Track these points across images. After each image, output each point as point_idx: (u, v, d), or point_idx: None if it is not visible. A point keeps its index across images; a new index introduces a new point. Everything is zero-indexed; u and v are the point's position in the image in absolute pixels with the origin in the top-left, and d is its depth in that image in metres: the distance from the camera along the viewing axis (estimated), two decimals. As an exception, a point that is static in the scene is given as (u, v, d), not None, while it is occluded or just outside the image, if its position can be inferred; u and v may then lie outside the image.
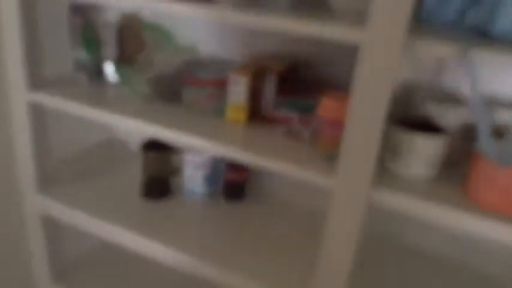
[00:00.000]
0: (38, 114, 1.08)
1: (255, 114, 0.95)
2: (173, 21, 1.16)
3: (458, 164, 0.82)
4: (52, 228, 1.21)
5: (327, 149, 0.82)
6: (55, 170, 1.21)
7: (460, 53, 0.61)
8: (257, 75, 0.91)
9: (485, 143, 0.65)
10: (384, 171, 0.78)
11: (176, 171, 1.17)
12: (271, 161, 0.80)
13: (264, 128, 0.92)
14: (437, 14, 0.72)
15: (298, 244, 1.02)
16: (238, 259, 0.95)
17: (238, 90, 0.91)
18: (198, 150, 1.13)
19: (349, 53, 0.97)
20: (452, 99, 0.86)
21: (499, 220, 0.67)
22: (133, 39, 1.12)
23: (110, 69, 1.15)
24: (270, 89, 0.92)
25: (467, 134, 0.80)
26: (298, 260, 0.96)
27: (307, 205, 1.17)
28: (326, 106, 0.78)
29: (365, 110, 0.69)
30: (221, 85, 0.97)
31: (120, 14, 1.13)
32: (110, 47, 1.14)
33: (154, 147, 1.14)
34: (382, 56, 0.65)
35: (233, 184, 1.17)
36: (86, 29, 1.13)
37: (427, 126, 0.80)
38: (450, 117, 0.81)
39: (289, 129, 0.89)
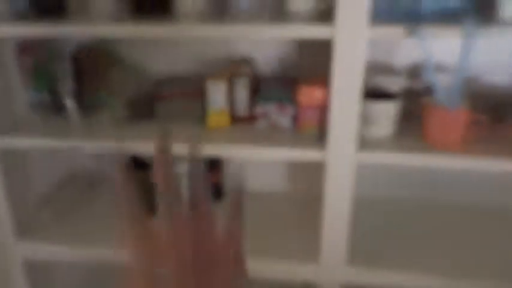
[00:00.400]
0: (7, 160, 1.04)
1: (235, 116, 1.05)
2: (117, 44, 1.19)
3: (405, 120, 1.02)
4: (36, 271, 1.17)
5: (310, 129, 0.96)
6: (30, 212, 1.17)
7: (411, 32, 0.80)
8: (232, 78, 1.02)
9: (440, 95, 0.85)
10: (360, 136, 0.94)
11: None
12: (268, 150, 0.92)
13: (248, 126, 1.03)
14: (375, 4, 0.90)
15: (297, 224, 1.15)
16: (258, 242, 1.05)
17: (217, 96, 1.00)
18: (179, 159, 1.19)
19: (305, 51, 1.12)
20: (390, 71, 1.07)
21: (455, 155, 0.88)
22: (89, 68, 1.14)
23: (69, 102, 1.15)
24: (244, 90, 1.03)
25: (408, 96, 1.00)
26: (302, 234, 1.09)
27: (286, 194, 1.31)
28: (306, 93, 0.92)
29: (344, 91, 0.84)
30: (196, 95, 1.05)
31: (68, 45, 1.14)
32: (65, 80, 1.14)
33: (133, 168, 1.17)
34: (353, 44, 0.81)
35: (213, 186, 1.25)
36: (37, 67, 1.12)
37: (381, 94, 0.99)
38: (394, 85, 1.01)
39: (269, 121, 1.02)
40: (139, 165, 1.18)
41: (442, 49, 0.87)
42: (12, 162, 1.06)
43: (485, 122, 0.90)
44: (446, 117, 0.90)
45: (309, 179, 1.18)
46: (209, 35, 0.87)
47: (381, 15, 0.88)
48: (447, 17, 0.87)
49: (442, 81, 0.92)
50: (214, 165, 1.23)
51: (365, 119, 0.94)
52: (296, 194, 1.26)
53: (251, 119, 1.04)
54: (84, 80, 1.14)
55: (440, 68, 0.96)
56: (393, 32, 0.81)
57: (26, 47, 1.11)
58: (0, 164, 1.02)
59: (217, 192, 1.26)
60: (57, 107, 1.15)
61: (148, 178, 1.19)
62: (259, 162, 1.26)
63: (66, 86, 1.14)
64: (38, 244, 1.09)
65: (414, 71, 1.06)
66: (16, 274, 1.12)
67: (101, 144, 0.99)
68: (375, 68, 1.06)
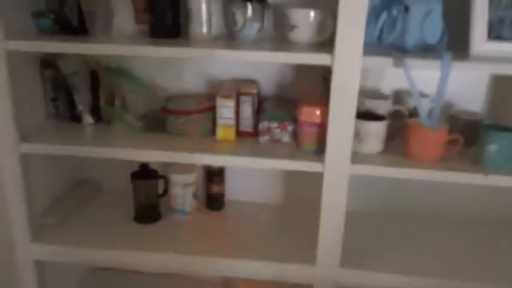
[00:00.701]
0: (25, 164, 1.12)
1: (241, 131, 1.16)
2: (133, 63, 1.29)
3: (391, 139, 1.15)
4: (43, 271, 1.23)
5: (308, 144, 1.08)
6: (42, 215, 1.23)
7: (397, 62, 0.94)
8: (238, 96, 1.14)
9: (423, 117, 0.99)
10: (353, 152, 1.07)
11: (164, 194, 1.30)
12: (272, 162, 1.04)
13: (252, 140, 1.15)
14: (367, 37, 1.04)
15: (296, 231, 1.26)
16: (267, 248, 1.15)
17: (226, 112, 1.12)
18: (184, 169, 1.29)
19: (305, 77, 1.25)
20: (379, 95, 1.21)
21: (433, 168, 1.02)
22: (106, 83, 1.24)
23: (85, 113, 1.24)
24: (250, 108, 1.15)
25: (394, 117, 1.14)
26: (300, 240, 1.20)
27: (279, 205, 1.42)
28: (306, 112, 1.05)
29: (340, 111, 0.97)
30: (204, 111, 1.16)
31: (87, 62, 1.24)
32: (82, 93, 1.24)
33: (141, 176, 1.27)
34: (349, 71, 0.95)
35: (216, 196, 1.35)
36: (57, 79, 1.21)
37: (370, 116, 1.12)
38: (382, 108, 1.15)
39: (272, 136, 1.14)
40: (147, 173, 1.27)
41: (423, 78, 1.02)
42: (30, 166, 1.14)
43: (460, 142, 1.05)
44: (427, 136, 1.04)
45: (304, 191, 1.30)
46: (217, 57, 0.99)
47: (372, 47, 1.02)
48: (427, 52, 1.02)
49: (423, 105, 1.06)
50: (216, 175, 1.34)
51: (357, 137, 1.07)
52: (293, 204, 1.38)
53: (255, 134, 1.16)
54: (100, 94, 1.24)
55: (421, 94, 1.10)
56: (383, 62, 0.95)
57: (48, 62, 1.20)
58: (20, 168, 1.10)
59: (219, 202, 1.36)
60: (73, 117, 1.24)
61: (155, 186, 1.29)
62: (259, 176, 1.37)
63: (83, 99, 1.24)
64: (47, 246, 1.16)
65: (398, 96, 1.20)
66: (27, 274, 1.19)
67: (112, 152, 1.08)
68: (366, 93, 1.19)
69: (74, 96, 1.23)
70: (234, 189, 1.39)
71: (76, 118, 1.25)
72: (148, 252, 1.15)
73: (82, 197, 1.38)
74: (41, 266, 1.21)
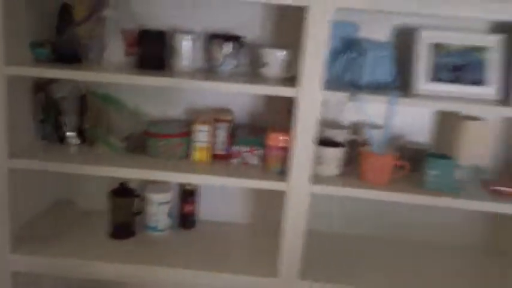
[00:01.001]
0: (12, 178, 1.21)
1: (215, 154, 1.29)
2: (120, 90, 1.41)
3: (347, 164, 1.30)
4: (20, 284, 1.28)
5: (275, 166, 1.21)
6: (22, 229, 1.30)
7: (352, 97, 1.10)
8: (214, 123, 1.27)
9: (373, 145, 1.14)
10: (314, 174, 1.20)
11: (140, 212, 1.39)
12: (242, 181, 1.16)
13: (225, 162, 1.27)
14: (326, 74, 1.21)
15: (260, 246, 1.37)
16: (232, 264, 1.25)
17: (203, 137, 1.25)
18: (161, 189, 1.39)
19: (274, 107, 1.40)
20: (338, 126, 1.36)
21: (381, 189, 1.16)
22: (93, 107, 1.35)
23: (71, 134, 1.35)
24: (224, 134, 1.28)
25: (350, 145, 1.29)
26: (265, 254, 1.31)
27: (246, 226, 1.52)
28: (273, 138, 1.19)
29: (303, 137, 1.12)
30: (182, 135, 1.29)
31: (78, 88, 1.35)
32: (69, 116, 1.35)
33: (120, 193, 1.36)
34: (310, 103, 1.10)
35: (188, 215, 1.45)
36: (48, 102, 1.32)
37: (330, 143, 1.26)
38: (340, 136, 1.30)
39: (243, 159, 1.26)
40: (125, 192, 1.37)
41: (378, 112, 1.18)
42: (15, 182, 1.22)
43: (407, 168, 1.20)
44: (377, 161, 1.19)
45: (271, 211, 1.41)
46: (197, 88, 1.13)
47: (333, 83, 1.18)
48: (379, 89, 1.18)
49: (375, 135, 1.22)
50: (190, 196, 1.44)
51: (317, 161, 1.21)
52: (260, 223, 1.49)
53: (228, 157, 1.28)
54: (87, 117, 1.35)
55: (375, 125, 1.26)
56: (340, 96, 1.11)
57: (40, 86, 1.31)
58: (7, 182, 1.18)
59: (191, 220, 1.46)
60: (60, 138, 1.34)
61: (132, 204, 1.38)
62: (230, 197, 1.48)
63: (70, 121, 1.35)
64: (26, 257, 1.23)
65: (356, 127, 1.36)
66: (4, 285, 1.24)
67: (95, 170, 1.18)
68: (327, 123, 1.35)
69: (62, 119, 1.33)
70: (206, 209, 1.49)
71: (62, 139, 1.35)
72: (121, 264, 1.23)
73: (61, 215, 1.45)
74: (18, 278, 1.27)
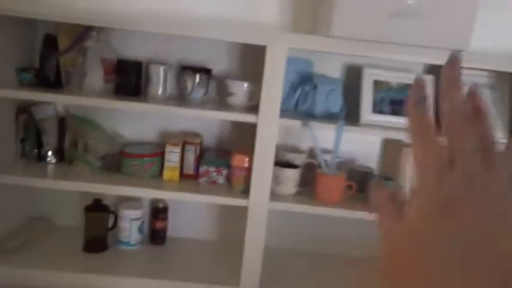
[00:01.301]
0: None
1: (184, 173, 1.42)
2: (98, 114, 1.53)
3: (304, 185, 1.45)
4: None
5: (239, 185, 1.35)
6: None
7: (304, 124, 1.26)
8: (184, 145, 1.40)
9: (324, 167, 1.30)
10: (273, 192, 1.35)
11: (113, 227, 1.49)
12: (208, 197, 1.29)
13: (193, 181, 1.40)
14: (285, 104, 1.37)
15: (225, 260, 1.48)
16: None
17: (173, 157, 1.37)
18: (133, 206, 1.49)
19: (238, 132, 1.55)
20: (296, 150, 1.52)
21: (333, 206, 1.31)
22: (70, 129, 1.46)
23: (50, 153, 1.45)
24: (193, 155, 1.41)
25: (307, 168, 1.45)
26: (229, 267, 1.43)
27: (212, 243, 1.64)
28: (237, 159, 1.33)
29: (263, 159, 1.27)
30: (155, 156, 1.41)
31: (58, 110, 1.46)
32: (49, 136, 1.45)
33: (94, 209, 1.46)
34: (269, 128, 1.25)
35: (159, 231, 1.56)
36: (29, 123, 1.42)
37: (289, 165, 1.41)
38: (298, 160, 1.45)
39: (209, 179, 1.40)
40: (99, 208, 1.46)
41: (329, 138, 1.34)
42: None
43: (354, 188, 1.36)
44: (330, 182, 1.35)
45: (235, 228, 1.54)
46: (169, 113, 1.27)
47: (290, 113, 1.35)
48: (330, 118, 1.36)
49: (328, 159, 1.38)
50: (161, 213, 1.55)
51: (276, 180, 1.35)
52: (226, 240, 1.61)
53: (196, 176, 1.41)
54: (65, 138, 1.45)
55: (326, 150, 1.43)
56: (294, 123, 1.28)
57: (23, 108, 1.42)
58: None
59: (162, 237, 1.56)
60: (40, 157, 1.43)
61: (106, 219, 1.48)
62: (198, 215, 1.60)
63: (50, 141, 1.45)
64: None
65: (312, 152, 1.52)
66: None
67: (72, 185, 1.29)
68: (287, 148, 1.51)
69: (42, 138, 1.43)
70: (176, 226, 1.60)
71: (41, 157, 1.44)
72: (91, 275, 1.31)
73: (35, 230, 1.52)
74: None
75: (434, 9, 1.22)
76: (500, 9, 1.47)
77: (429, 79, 1.41)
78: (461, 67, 0.31)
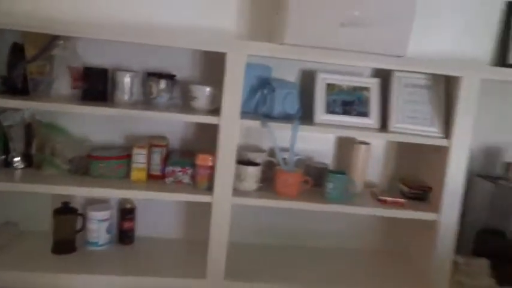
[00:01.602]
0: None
1: (151, 174, 1.49)
2: (67, 119, 1.57)
3: (266, 181, 1.55)
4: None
5: (203, 183, 1.44)
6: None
7: (263, 124, 1.37)
8: (151, 147, 1.48)
9: (282, 164, 1.41)
10: (236, 188, 1.44)
11: (81, 229, 1.54)
12: (174, 195, 1.37)
13: (160, 181, 1.47)
14: (245, 107, 1.47)
15: (192, 255, 1.56)
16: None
17: (140, 159, 1.44)
18: (101, 207, 1.55)
19: (202, 134, 1.63)
20: (258, 149, 1.62)
21: (290, 199, 1.42)
22: (37, 135, 1.50)
23: (17, 159, 1.48)
24: (159, 156, 1.49)
25: (268, 165, 1.55)
26: (196, 261, 1.50)
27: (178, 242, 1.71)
28: (201, 159, 1.42)
29: (225, 158, 1.36)
30: (122, 158, 1.48)
31: (25, 117, 1.50)
32: (17, 142, 1.48)
33: (63, 212, 1.50)
34: (231, 129, 1.35)
35: (127, 231, 1.61)
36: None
37: (250, 163, 1.51)
38: (259, 158, 1.56)
39: (175, 178, 1.47)
40: (68, 210, 1.51)
41: (288, 137, 1.45)
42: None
43: (311, 183, 1.48)
44: (288, 178, 1.46)
45: (202, 226, 1.61)
46: (136, 117, 1.34)
47: (251, 114, 1.45)
48: (287, 119, 1.47)
49: (286, 157, 1.49)
50: (128, 213, 1.61)
51: (239, 178, 1.45)
52: (192, 237, 1.68)
53: (162, 176, 1.49)
54: (33, 143, 1.49)
55: (285, 149, 1.54)
56: (253, 124, 1.38)
57: (-10, 115, 1.45)
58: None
59: (130, 237, 1.62)
60: (7, 163, 1.47)
61: (74, 221, 1.52)
62: (165, 215, 1.67)
63: (17, 147, 1.48)
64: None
65: (272, 151, 1.63)
66: None
67: (41, 188, 1.33)
68: (249, 148, 1.61)
69: (9, 144, 1.47)
70: (144, 226, 1.66)
71: (8, 163, 1.48)
72: (59, 275, 1.36)
73: (5, 235, 1.54)
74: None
75: (377, 19, 1.37)
76: (434, 17, 1.64)
77: (375, 82, 1.56)
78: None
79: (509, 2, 1.66)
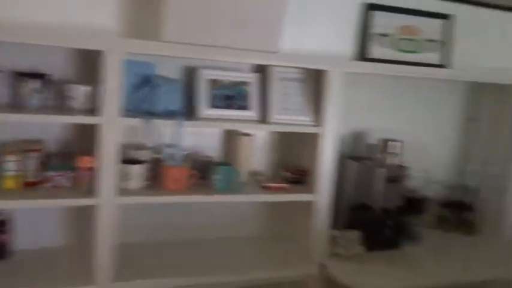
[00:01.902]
0: None
1: (27, 181, 1.39)
2: None
3: (153, 178, 1.55)
4: None
5: (85, 185, 1.39)
6: None
7: (145, 122, 1.37)
8: (24, 153, 1.38)
9: (170, 160, 1.42)
10: (122, 187, 1.42)
11: None
12: (52, 201, 1.31)
13: (37, 188, 1.38)
14: (129, 105, 1.45)
15: (78, 263, 1.49)
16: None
17: (12, 166, 1.34)
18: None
19: (82, 134, 1.56)
20: (143, 147, 1.61)
21: (178, 194, 1.45)
22: None
23: None
24: (34, 162, 1.39)
25: (155, 162, 1.56)
26: (80, 269, 1.44)
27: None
28: (82, 161, 1.37)
29: (107, 158, 1.33)
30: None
31: None
32: None
33: None
34: (111, 128, 1.32)
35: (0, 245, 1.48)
36: None
37: (136, 161, 1.50)
38: (145, 156, 1.55)
39: (55, 183, 1.40)
40: None
41: (172, 133, 1.47)
42: None
43: (197, 176, 1.52)
44: (175, 173, 1.48)
45: (85, 230, 1.55)
46: (3, 121, 1.24)
47: (134, 112, 1.43)
48: (171, 115, 1.48)
49: (172, 152, 1.51)
50: (1, 224, 1.48)
51: (126, 177, 1.43)
52: (76, 243, 1.61)
53: (40, 183, 1.40)
54: None
55: (171, 145, 1.56)
56: (135, 122, 1.37)
57: None
58: None
59: (4, 251, 1.49)
60: None
61: None
62: (45, 223, 1.56)
63: None
64: None
65: (159, 148, 1.63)
66: None
67: None
68: (134, 146, 1.59)
69: None
70: (24, 238, 1.54)
71: None
72: None
73: None
74: None
75: (252, 19, 1.46)
76: (308, 19, 1.80)
77: (254, 76, 1.65)
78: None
79: (366, 4, 1.89)
